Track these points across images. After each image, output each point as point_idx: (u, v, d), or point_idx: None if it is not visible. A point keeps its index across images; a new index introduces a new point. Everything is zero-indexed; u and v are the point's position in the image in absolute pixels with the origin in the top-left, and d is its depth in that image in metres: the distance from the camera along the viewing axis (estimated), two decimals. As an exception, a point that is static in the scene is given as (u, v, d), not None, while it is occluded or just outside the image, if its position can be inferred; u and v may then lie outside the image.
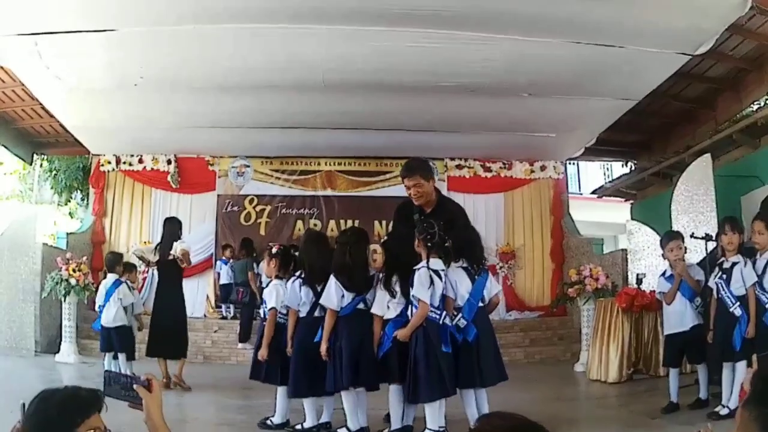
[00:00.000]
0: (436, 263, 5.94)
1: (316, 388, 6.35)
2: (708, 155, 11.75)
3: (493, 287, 6.44)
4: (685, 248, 7.71)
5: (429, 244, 5.97)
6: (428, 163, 7.23)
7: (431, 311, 5.81)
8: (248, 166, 15.54)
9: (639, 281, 10.50)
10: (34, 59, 9.67)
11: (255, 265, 13.31)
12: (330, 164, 15.67)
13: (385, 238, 6.82)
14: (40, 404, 2.38)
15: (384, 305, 6.17)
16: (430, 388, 5.72)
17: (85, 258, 12.46)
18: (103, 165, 15.40)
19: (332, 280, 6.24)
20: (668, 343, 7.80)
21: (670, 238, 7.72)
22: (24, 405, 2.34)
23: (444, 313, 5.90)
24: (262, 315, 7.22)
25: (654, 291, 9.67)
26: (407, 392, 5.89)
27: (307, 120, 12.72)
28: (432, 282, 5.83)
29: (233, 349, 12.80)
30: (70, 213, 20.94)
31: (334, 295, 6.19)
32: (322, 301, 6.27)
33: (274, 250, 7.22)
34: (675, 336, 7.51)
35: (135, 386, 2.69)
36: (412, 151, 14.40)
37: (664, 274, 7.78)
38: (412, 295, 5.88)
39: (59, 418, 2.36)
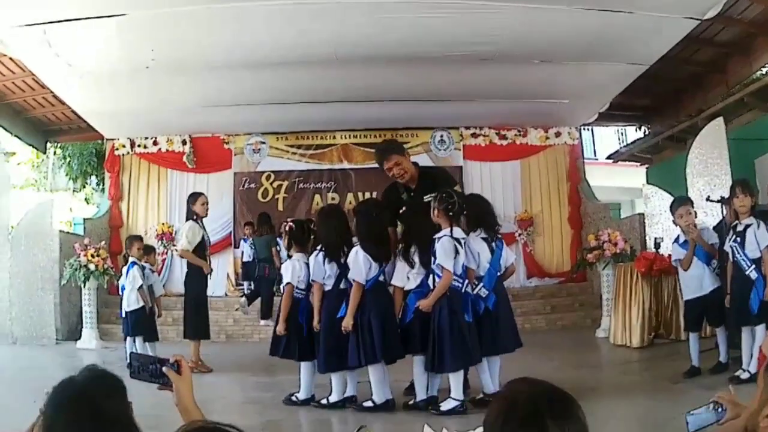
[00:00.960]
0: (459, 232, 5.96)
1: (346, 361, 6.34)
2: (720, 119, 11.74)
3: (509, 256, 6.46)
4: (695, 212, 7.65)
5: (451, 213, 5.97)
6: (397, 141, 7.25)
7: (455, 279, 5.83)
8: (264, 143, 15.53)
9: (657, 245, 10.49)
10: (44, 48, 9.69)
11: (278, 240, 13.23)
12: (345, 137, 15.61)
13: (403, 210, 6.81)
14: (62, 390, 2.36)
15: (404, 276, 6.21)
16: (454, 358, 5.76)
17: (103, 243, 12.46)
18: (117, 149, 15.40)
19: (359, 251, 6.27)
20: (688, 308, 7.80)
21: (679, 203, 7.68)
22: (48, 394, 2.34)
23: (466, 281, 5.91)
24: (281, 291, 7.24)
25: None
26: (431, 362, 5.92)
27: (321, 94, 12.71)
28: (456, 251, 5.83)
29: (255, 327, 12.82)
30: (86, 198, 21.02)
31: (363, 266, 6.22)
32: (351, 274, 6.27)
33: (286, 228, 7.24)
34: (695, 300, 7.51)
35: (164, 369, 2.69)
36: (426, 122, 14.58)
37: (677, 240, 7.76)
38: (437, 264, 5.89)
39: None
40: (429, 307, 5.86)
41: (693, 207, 7.61)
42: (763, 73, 12.89)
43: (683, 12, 9.43)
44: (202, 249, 9.17)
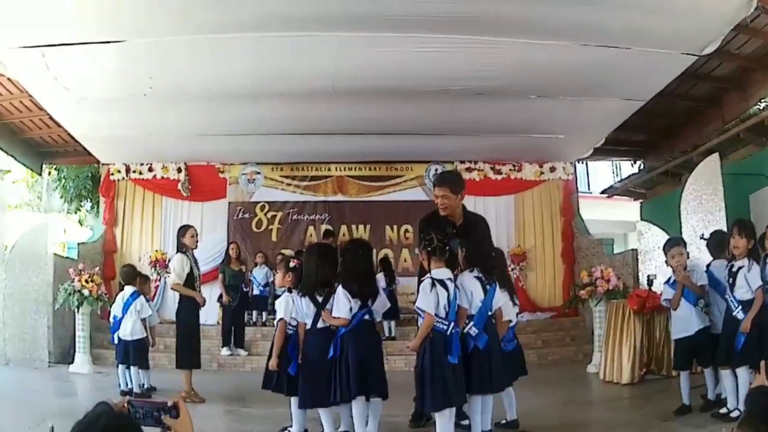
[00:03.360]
0: (440, 272, 5.90)
1: (322, 399, 6.33)
2: (716, 154, 11.79)
3: (498, 300, 6.43)
4: (687, 253, 7.71)
5: (429, 249, 5.97)
6: (460, 178, 7.29)
7: (437, 321, 5.80)
8: (259, 173, 15.64)
9: (650, 282, 10.52)
10: (42, 71, 9.70)
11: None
12: (340, 169, 15.73)
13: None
14: None
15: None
16: (434, 398, 5.74)
17: (97, 268, 12.55)
18: (112, 174, 15.48)
19: (339, 289, 6.28)
20: (677, 347, 7.84)
21: (671, 245, 7.79)
22: (53, 429, 2.32)
23: (452, 322, 5.90)
24: (275, 325, 7.24)
25: None
26: (417, 401, 5.94)
27: (317, 126, 12.76)
28: (435, 292, 5.83)
29: (248, 357, 12.72)
30: (79, 221, 21.00)
31: (342, 303, 6.22)
32: (334, 312, 6.27)
33: (291, 265, 7.24)
34: (683, 340, 7.55)
35: (162, 418, 2.70)
36: (421, 155, 14.63)
37: (668, 281, 7.84)
38: (417, 307, 5.90)
39: None
40: (416, 348, 5.87)
41: (685, 248, 7.68)
42: (760, 108, 12.97)
43: (681, 48, 9.51)
44: (191, 281, 9.06)
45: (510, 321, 6.39)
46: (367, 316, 6.31)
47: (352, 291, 6.25)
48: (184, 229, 9.25)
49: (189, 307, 9.10)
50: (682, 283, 7.43)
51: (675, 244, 7.76)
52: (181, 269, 8.98)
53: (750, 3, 8.12)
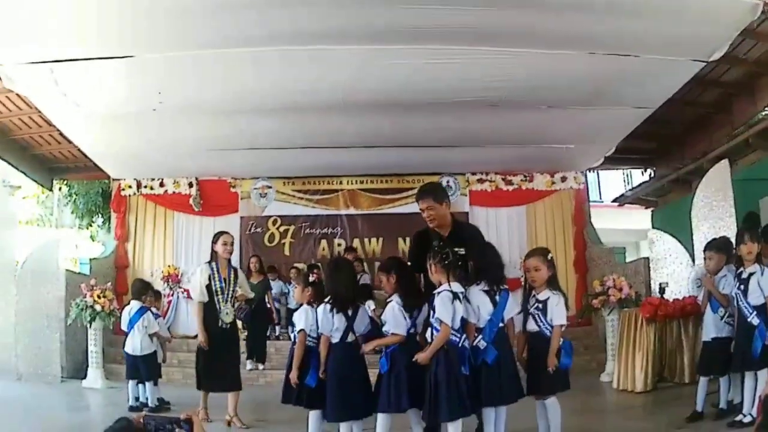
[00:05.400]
0: (456, 286, 5.94)
1: (351, 411, 6.33)
2: (725, 161, 11.73)
3: (511, 309, 6.41)
4: (727, 258, 7.53)
5: (446, 264, 5.98)
6: (441, 187, 7.38)
7: (452, 334, 5.82)
8: (270, 187, 15.65)
9: (662, 290, 10.54)
10: (51, 86, 9.73)
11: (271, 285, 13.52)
12: (352, 183, 15.76)
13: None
14: None
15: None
16: (450, 408, 5.72)
17: (109, 284, 12.53)
18: (123, 189, 15.51)
19: (394, 305, 6.25)
20: (701, 352, 7.89)
21: (706, 247, 7.83)
22: None
23: (464, 336, 5.91)
24: (291, 338, 7.21)
25: (677, 299, 10.04)
26: (428, 413, 5.91)
27: (328, 139, 12.78)
28: (455, 305, 5.84)
29: (261, 371, 12.58)
30: (91, 236, 21.06)
31: (401, 317, 6.20)
32: (391, 329, 6.21)
33: (311, 279, 7.23)
34: (704, 345, 7.64)
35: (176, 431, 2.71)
36: (433, 167, 14.62)
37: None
38: (435, 318, 5.89)
39: None
40: (426, 360, 5.86)
41: (716, 252, 7.59)
42: (768, 112, 12.93)
43: (690, 54, 9.49)
44: (210, 294, 8.27)
45: (563, 326, 6.29)
46: (412, 330, 6.31)
47: (408, 304, 6.25)
48: (216, 236, 8.58)
49: (205, 321, 8.28)
50: (708, 288, 7.49)
51: (706, 247, 7.80)
52: (197, 283, 8.34)
53: (756, 8, 8.11)
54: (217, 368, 8.35)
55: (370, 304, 11.97)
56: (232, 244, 8.52)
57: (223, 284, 8.37)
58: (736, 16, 8.40)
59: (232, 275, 8.50)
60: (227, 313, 8.35)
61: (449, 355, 5.80)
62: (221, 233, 8.64)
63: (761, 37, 10.06)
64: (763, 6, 8.09)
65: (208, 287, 8.28)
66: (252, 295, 9.29)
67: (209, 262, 8.43)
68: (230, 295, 8.41)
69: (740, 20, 8.50)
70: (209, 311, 8.28)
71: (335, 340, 6.43)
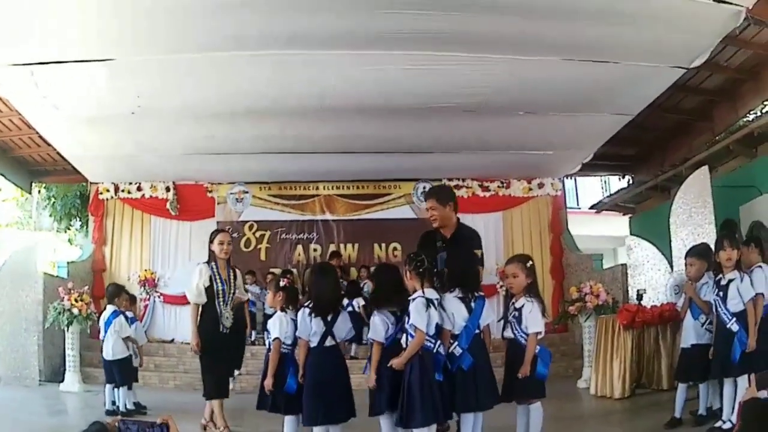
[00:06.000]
0: (431, 292, 5.95)
1: (328, 415, 6.31)
2: (705, 167, 11.76)
3: (487, 316, 6.41)
4: (708, 264, 7.50)
5: (420, 271, 6.00)
6: (447, 189, 7.48)
7: (427, 340, 5.82)
8: (247, 192, 15.63)
9: (639, 297, 10.56)
10: (31, 89, 9.69)
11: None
12: (328, 188, 15.74)
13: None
14: None
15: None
16: (423, 414, 5.73)
17: (86, 287, 12.50)
18: (101, 193, 15.46)
19: (376, 314, 6.21)
20: (679, 358, 7.88)
21: (687, 253, 7.86)
22: None
23: (438, 342, 5.92)
24: (267, 345, 7.18)
25: (655, 306, 10.01)
26: (401, 418, 5.89)
27: (304, 145, 12.76)
28: (430, 312, 5.85)
29: (237, 377, 12.52)
30: (69, 240, 20.96)
31: (381, 326, 6.14)
32: (371, 335, 6.18)
33: (282, 284, 7.20)
34: (683, 351, 7.61)
35: None
36: (409, 173, 14.66)
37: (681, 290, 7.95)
38: (410, 324, 5.90)
39: None
40: (401, 366, 5.87)
41: (698, 258, 7.61)
42: (750, 119, 12.98)
43: (670, 61, 9.52)
44: (211, 297, 7.83)
45: (538, 333, 6.29)
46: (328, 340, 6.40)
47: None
48: (213, 235, 8.16)
49: (205, 325, 7.87)
50: (689, 295, 7.49)
51: (690, 254, 7.79)
52: (195, 284, 7.85)
53: (739, 15, 8.12)
54: (224, 374, 8.09)
55: (359, 301, 12.43)
56: (229, 243, 8.07)
57: (225, 286, 7.97)
58: (718, 22, 8.42)
59: (232, 276, 8.10)
60: (227, 318, 7.89)
61: (424, 361, 5.81)
62: (218, 231, 8.35)
63: (743, 44, 10.10)
64: (746, 12, 8.09)
65: (209, 289, 7.84)
66: (247, 296, 9.19)
67: (208, 263, 7.98)
68: (231, 298, 8.01)
69: (723, 27, 8.53)
70: (209, 314, 7.86)
71: (313, 344, 6.43)
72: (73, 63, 8.96)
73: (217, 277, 7.90)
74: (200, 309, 7.89)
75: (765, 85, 11.24)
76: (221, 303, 7.88)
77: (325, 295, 6.50)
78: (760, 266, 6.90)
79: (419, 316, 5.80)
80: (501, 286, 14.01)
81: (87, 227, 16.58)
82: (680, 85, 10.97)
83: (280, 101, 10.37)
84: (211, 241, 8.05)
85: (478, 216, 15.20)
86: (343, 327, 6.49)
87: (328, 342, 6.40)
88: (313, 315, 6.39)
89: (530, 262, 6.42)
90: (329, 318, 6.39)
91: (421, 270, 5.99)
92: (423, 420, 5.76)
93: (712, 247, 7.40)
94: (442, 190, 7.37)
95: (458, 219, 7.05)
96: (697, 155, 13.20)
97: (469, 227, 7.39)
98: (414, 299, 5.92)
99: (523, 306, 6.24)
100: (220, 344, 7.84)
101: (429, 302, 5.87)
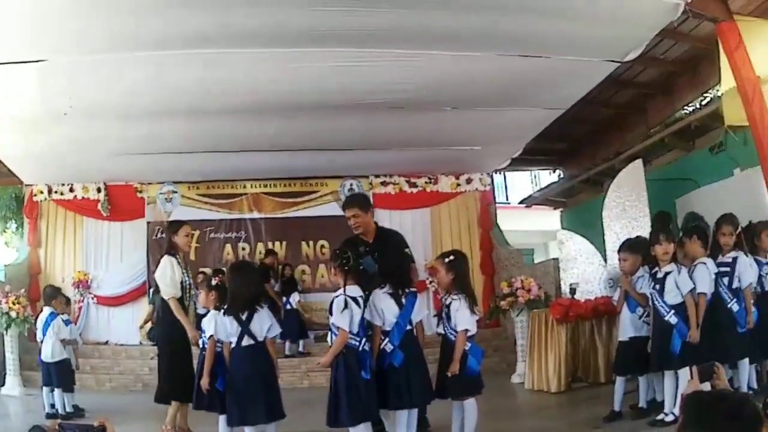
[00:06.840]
0: (353, 290, 5.98)
1: (247, 416, 6.30)
2: (639, 160, 11.93)
3: (419, 312, 6.43)
4: (643, 259, 7.56)
5: (345, 268, 6.03)
6: (365, 196, 7.67)
7: (350, 338, 5.87)
8: (176, 192, 15.49)
9: (572, 291, 10.70)
10: (-39, 90, 9.49)
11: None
12: (256, 186, 15.65)
13: None
14: None
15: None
16: (350, 412, 5.77)
17: (23, 290, 12.32)
18: (35, 195, 15.22)
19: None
20: (616, 351, 7.99)
21: (620, 248, 7.90)
22: None
23: (364, 339, 5.95)
24: (201, 344, 7.11)
25: (589, 300, 10.15)
26: (329, 416, 5.93)
27: (231, 143, 12.65)
28: (350, 309, 5.88)
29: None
30: (6, 242, 20.65)
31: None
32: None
33: (213, 282, 7.18)
34: (620, 344, 7.69)
35: None
36: (336, 170, 14.71)
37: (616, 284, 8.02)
38: (331, 323, 5.95)
39: None
40: (327, 364, 5.91)
41: (631, 253, 7.66)
42: (686, 112, 13.00)
43: (603, 55, 9.42)
44: (183, 293, 7.54)
45: (467, 330, 6.32)
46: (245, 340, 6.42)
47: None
48: (176, 226, 7.87)
49: (178, 323, 7.43)
50: (625, 289, 7.56)
51: (623, 248, 7.83)
52: (169, 277, 7.44)
53: (677, 8, 8.06)
54: (193, 374, 7.37)
55: (295, 297, 12.92)
56: (193, 235, 7.79)
57: (190, 281, 7.75)
58: (655, 16, 8.39)
59: (190, 272, 7.86)
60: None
61: (348, 360, 5.88)
62: (182, 223, 8.07)
63: (681, 37, 10.20)
64: (684, 6, 8.04)
65: (181, 283, 7.52)
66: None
67: (173, 255, 7.62)
68: (195, 293, 7.79)
69: (659, 20, 8.50)
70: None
71: (233, 344, 6.44)
72: (4, 65, 8.77)
73: (185, 271, 7.67)
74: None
75: (703, 78, 11.41)
76: (188, 298, 7.64)
77: (241, 294, 6.48)
78: (704, 263, 7.05)
79: (340, 316, 5.87)
80: (430, 282, 14.13)
81: (23, 230, 16.38)
82: (614, 78, 10.99)
83: (206, 100, 10.21)
84: (174, 233, 7.75)
85: (406, 212, 15.43)
86: (262, 325, 6.41)
87: (246, 341, 6.36)
88: (225, 314, 6.43)
89: (450, 258, 6.49)
90: (244, 317, 6.36)
91: (346, 267, 6.04)
92: (350, 418, 5.81)
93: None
94: (363, 197, 7.74)
95: (376, 223, 7.26)
96: (631, 149, 13.27)
97: (390, 229, 7.51)
98: (335, 297, 6.00)
99: (451, 303, 6.30)
100: (185, 345, 7.51)
101: (351, 300, 5.91)
